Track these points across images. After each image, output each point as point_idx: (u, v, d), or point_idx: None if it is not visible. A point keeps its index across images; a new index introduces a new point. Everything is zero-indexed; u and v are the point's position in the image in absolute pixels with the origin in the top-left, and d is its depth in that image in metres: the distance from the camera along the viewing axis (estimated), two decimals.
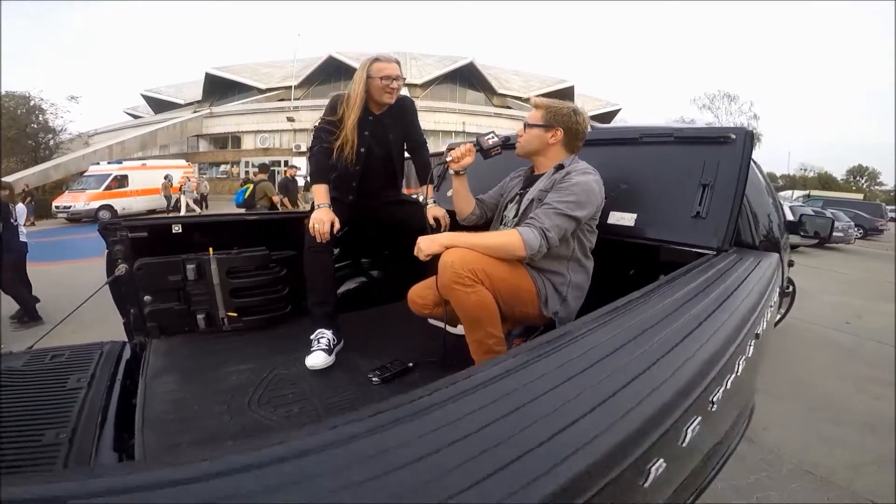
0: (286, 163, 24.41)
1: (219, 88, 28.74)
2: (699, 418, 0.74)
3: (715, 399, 0.82)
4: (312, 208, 1.80)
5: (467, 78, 27.56)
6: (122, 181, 14.57)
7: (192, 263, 1.91)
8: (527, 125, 1.60)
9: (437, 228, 1.85)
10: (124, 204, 14.15)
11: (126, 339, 1.85)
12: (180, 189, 14.93)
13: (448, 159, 1.67)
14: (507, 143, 1.67)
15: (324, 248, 1.73)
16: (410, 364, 1.63)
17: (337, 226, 1.69)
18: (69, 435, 1.12)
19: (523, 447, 0.48)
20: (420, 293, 1.67)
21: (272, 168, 24.08)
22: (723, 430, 1.21)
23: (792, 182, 50.23)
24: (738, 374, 0.96)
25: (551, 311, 1.45)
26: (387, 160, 1.94)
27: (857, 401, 2.87)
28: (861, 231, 15.07)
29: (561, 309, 1.46)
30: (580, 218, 1.41)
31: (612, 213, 1.76)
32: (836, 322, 4.72)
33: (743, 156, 1.58)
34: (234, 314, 1.97)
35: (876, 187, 57.58)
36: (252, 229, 2.14)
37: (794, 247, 9.92)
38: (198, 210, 14.44)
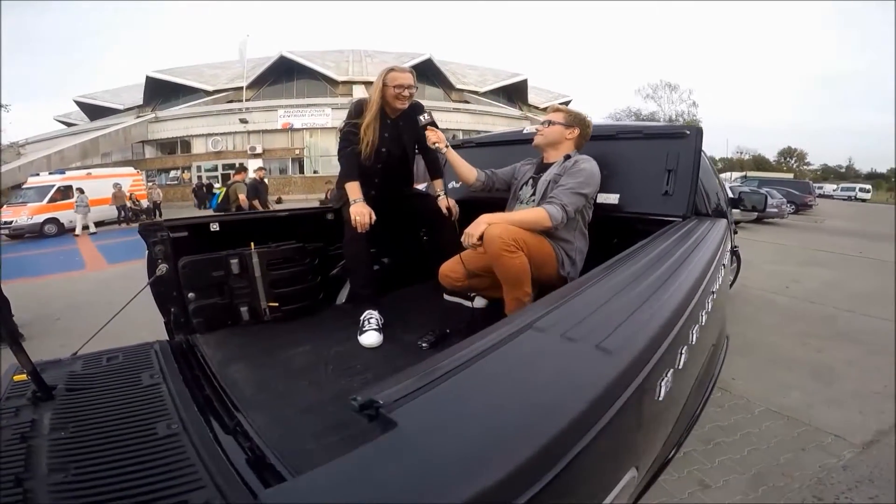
0: (241, 165, 23.62)
1: (161, 92, 27.25)
2: (705, 311, 1.06)
3: (708, 302, 1.15)
4: (344, 203, 1.99)
5: (425, 74, 27.50)
6: (66, 192, 13.53)
7: (234, 258, 1.98)
8: (550, 122, 1.95)
9: (449, 215, 2.12)
10: (72, 217, 13.23)
11: (168, 338, 1.89)
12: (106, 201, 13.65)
13: (439, 146, 2.00)
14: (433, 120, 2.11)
15: (362, 237, 1.91)
16: (448, 330, 1.85)
17: (373, 217, 1.89)
18: (181, 425, 1.21)
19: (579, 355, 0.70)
20: (451, 268, 1.96)
21: (229, 172, 23.37)
22: (716, 334, 1.54)
23: (730, 165, 53.81)
24: (720, 286, 1.30)
25: (566, 271, 1.78)
26: (402, 159, 2.16)
27: (801, 353, 3.34)
28: (793, 207, 16.58)
29: (571, 270, 1.80)
30: (588, 194, 1.78)
31: (599, 194, 2.08)
32: (776, 287, 5.34)
33: (695, 147, 1.98)
34: (275, 304, 2.07)
35: (804, 167, 62.80)
36: (282, 224, 2.26)
37: (735, 222, 11.02)
38: (93, 229, 12.84)
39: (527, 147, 2.22)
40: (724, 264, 1.54)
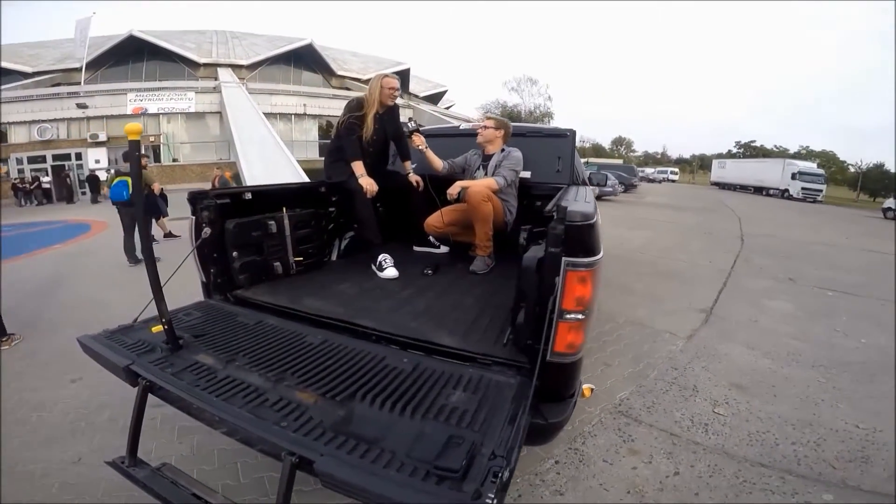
0: (78, 156, 20.13)
1: None
2: None
3: None
4: (350, 176, 2.60)
5: (304, 59, 26.30)
6: None
7: (271, 220, 2.31)
8: (486, 127, 2.86)
9: (418, 187, 2.92)
10: None
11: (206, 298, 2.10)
12: None
13: (421, 147, 2.85)
14: (418, 126, 2.96)
15: (369, 201, 2.59)
16: (437, 264, 2.67)
17: (376, 187, 2.57)
18: (323, 336, 1.65)
19: None
20: (435, 221, 2.89)
21: (63, 163, 19.66)
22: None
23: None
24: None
25: (507, 219, 2.79)
26: (384, 144, 2.87)
27: (639, 286, 4.90)
28: (623, 187, 20.53)
29: (509, 218, 2.81)
30: (518, 171, 2.78)
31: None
32: (615, 245, 7.22)
33: (573, 142, 3.12)
34: (300, 259, 2.49)
35: (631, 153, 75.36)
36: (297, 194, 2.67)
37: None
38: None
39: (468, 139, 3.14)
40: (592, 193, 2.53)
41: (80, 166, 20.13)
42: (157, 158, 21.55)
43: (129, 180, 5.55)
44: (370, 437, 1.08)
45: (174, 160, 21.81)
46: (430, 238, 3.12)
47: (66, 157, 20.23)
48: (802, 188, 24.80)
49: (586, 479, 1.88)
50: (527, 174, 3.05)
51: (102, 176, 17.36)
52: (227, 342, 1.61)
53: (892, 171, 34.88)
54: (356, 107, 2.66)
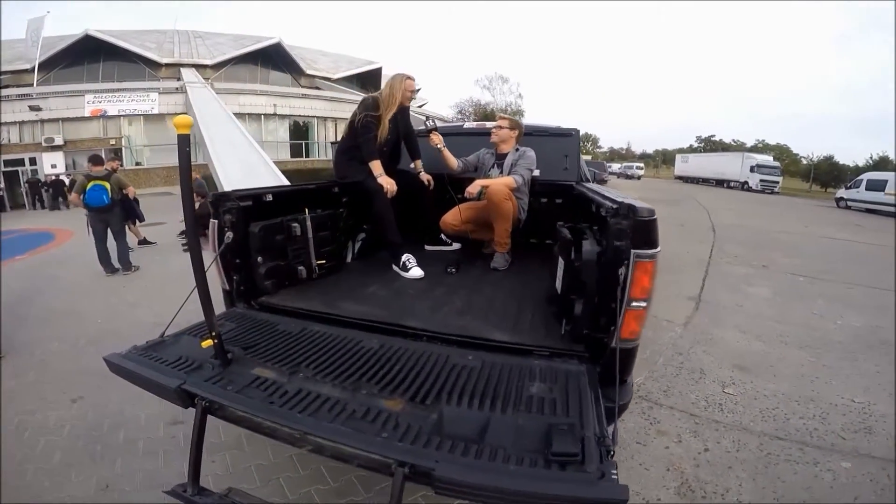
0: (32, 161, 18.99)
1: None
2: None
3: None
4: (368, 176, 2.58)
5: (271, 58, 25.60)
6: None
7: (295, 223, 2.21)
8: (500, 127, 2.91)
9: (428, 185, 2.94)
10: None
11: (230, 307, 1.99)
12: None
13: (439, 146, 2.87)
14: (436, 126, 2.96)
15: (389, 201, 2.56)
16: (457, 262, 2.66)
17: (396, 186, 2.56)
18: (378, 341, 1.61)
19: None
20: (451, 219, 2.91)
21: (17, 169, 18.53)
22: None
23: None
24: None
25: (521, 216, 2.85)
26: (396, 143, 2.87)
27: None
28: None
29: (522, 214, 2.87)
30: (532, 170, 2.85)
31: None
32: None
33: (577, 141, 3.24)
34: (323, 261, 2.40)
35: (597, 149, 77.36)
36: (313, 195, 2.56)
37: None
38: None
39: (476, 139, 3.19)
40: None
41: (34, 171, 18.97)
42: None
43: (107, 184, 5.31)
44: (472, 437, 1.06)
45: (137, 164, 20.87)
46: (442, 236, 3.14)
47: (20, 162, 19.03)
48: (761, 180, 26.09)
49: (626, 461, 1.98)
50: (536, 172, 3.11)
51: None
52: (281, 353, 1.52)
53: (841, 162, 37.09)
54: (373, 105, 2.64)
